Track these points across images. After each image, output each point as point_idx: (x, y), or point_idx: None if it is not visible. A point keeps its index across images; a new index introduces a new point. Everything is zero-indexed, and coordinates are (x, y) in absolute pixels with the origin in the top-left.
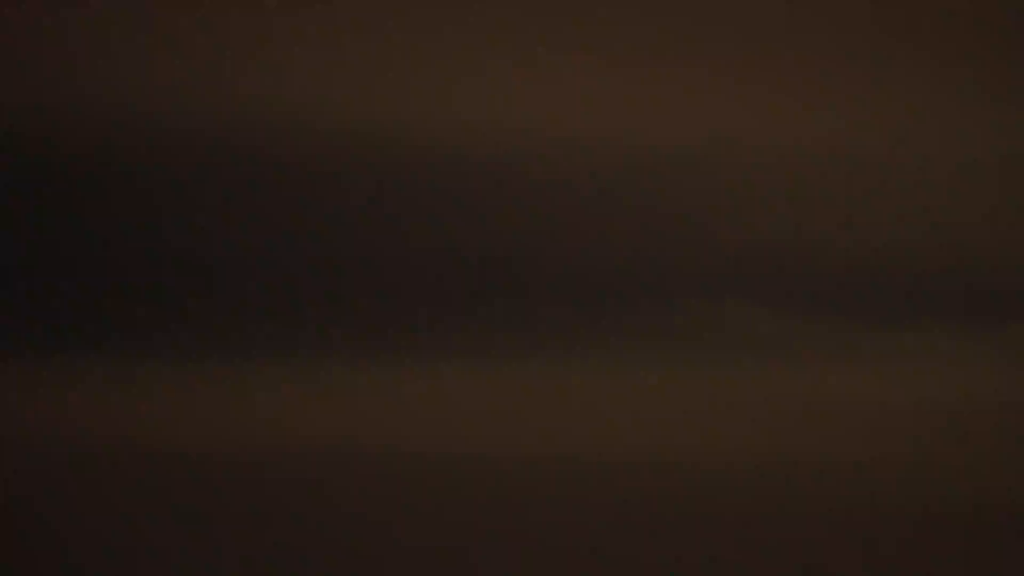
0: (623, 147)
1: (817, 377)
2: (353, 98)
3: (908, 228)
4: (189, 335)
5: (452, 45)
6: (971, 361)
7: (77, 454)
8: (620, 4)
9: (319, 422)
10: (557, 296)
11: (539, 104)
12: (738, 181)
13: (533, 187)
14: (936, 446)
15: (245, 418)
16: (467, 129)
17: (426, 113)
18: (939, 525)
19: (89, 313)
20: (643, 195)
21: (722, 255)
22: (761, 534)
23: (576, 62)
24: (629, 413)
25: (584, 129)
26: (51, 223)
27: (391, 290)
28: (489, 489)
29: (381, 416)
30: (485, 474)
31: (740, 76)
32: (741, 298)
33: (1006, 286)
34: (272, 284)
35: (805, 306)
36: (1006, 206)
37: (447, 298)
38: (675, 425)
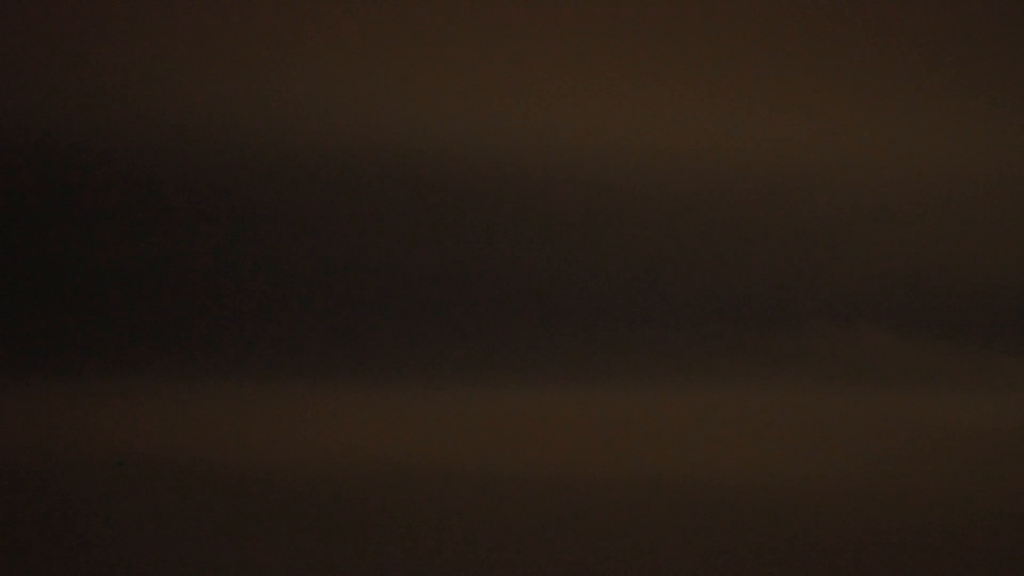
0: (751, 169)
1: (944, 401)
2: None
3: None
4: (206, 350)
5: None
6: None
7: (102, 468)
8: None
9: (378, 441)
10: (681, 317)
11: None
12: (869, 203)
13: (658, 207)
14: None
15: (289, 433)
16: (566, 149)
17: (507, 137)
18: None
19: (113, 326)
20: (771, 216)
21: (851, 277)
22: (890, 558)
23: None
24: (754, 434)
25: (712, 147)
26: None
27: (481, 312)
28: (617, 510)
29: (477, 436)
30: (608, 496)
31: (857, 102)
32: (869, 320)
33: None
34: (325, 302)
35: (933, 330)
36: None
37: (567, 323)
38: (797, 446)
